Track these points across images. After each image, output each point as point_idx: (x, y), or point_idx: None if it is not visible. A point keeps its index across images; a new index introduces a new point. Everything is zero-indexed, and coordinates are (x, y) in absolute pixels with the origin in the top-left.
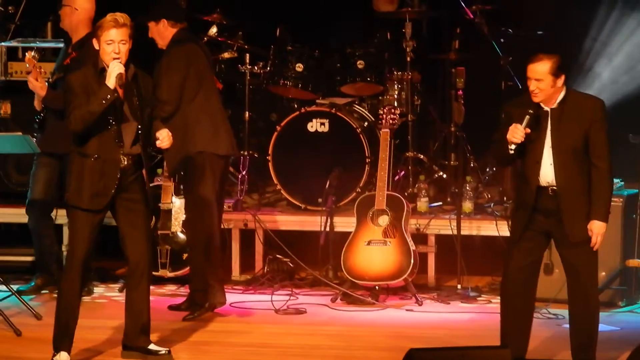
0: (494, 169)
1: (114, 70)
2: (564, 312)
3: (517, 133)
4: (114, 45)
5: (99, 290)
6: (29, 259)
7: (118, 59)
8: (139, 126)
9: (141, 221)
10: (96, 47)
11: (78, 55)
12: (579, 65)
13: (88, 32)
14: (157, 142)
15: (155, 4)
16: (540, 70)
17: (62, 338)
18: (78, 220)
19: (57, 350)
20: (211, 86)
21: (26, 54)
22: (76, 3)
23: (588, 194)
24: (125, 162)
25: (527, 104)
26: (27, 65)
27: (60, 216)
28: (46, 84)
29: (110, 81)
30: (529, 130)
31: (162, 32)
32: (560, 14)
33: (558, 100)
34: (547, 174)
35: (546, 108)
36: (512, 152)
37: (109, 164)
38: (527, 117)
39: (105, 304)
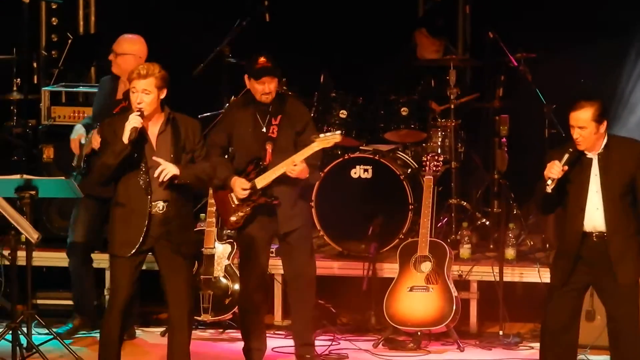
0: (537, 216)
1: (129, 124)
2: (602, 358)
3: (554, 168)
4: (136, 95)
5: (141, 334)
6: (71, 302)
7: (140, 110)
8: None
9: (182, 268)
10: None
11: (128, 105)
12: (622, 109)
13: None
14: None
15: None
16: (582, 118)
17: None
18: (115, 266)
19: None
20: None
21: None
22: (123, 48)
23: (633, 236)
24: (161, 209)
25: (572, 147)
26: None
27: (100, 260)
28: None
29: (125, 135)
30: (566, 168)
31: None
32: (604, 61)
33: (602, 146)
34: (593, 219)
35: (590, 155)
36: (549, 188)
37: (136, 214)
38: (567, 155)
39: (147, 349)
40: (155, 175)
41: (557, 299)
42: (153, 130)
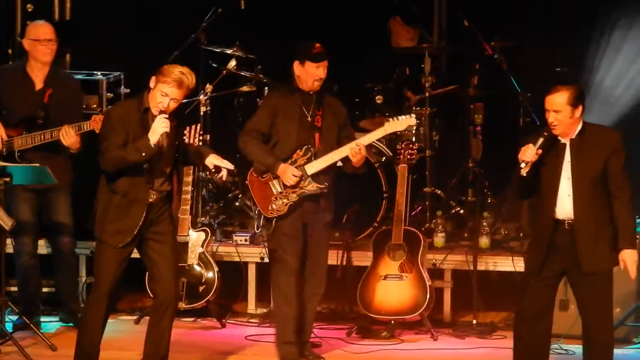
0: (511, 205)
1: (160, 128)
2: (575, 347)
3: (528, 151)
4: (165, 100)
5: (112, 322)
6: (46, 289)
7: (164, 112)
8: (172, 167)
9: (170, 254)
10: (151, 85)
11: (54, 92)
12: (600, 100)
13: (52, 65)
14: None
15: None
16: (558, 102)
17: None
18: (104, 253)
19: None
20: None
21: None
22: (43, 34)
23: (605, 226)
24: (154, 198)
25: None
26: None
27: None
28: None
29: (154, 137)
30: (540, 152)
31: None
32: (579, 50)
33: (576, 132)
34: (564, 206)
35: (564, 140)
36: (523, 172)
37: (137, 204)
38: (541, 138)
39: (120, 336)
40: (223, 178)
41: (532, 289)
42: None
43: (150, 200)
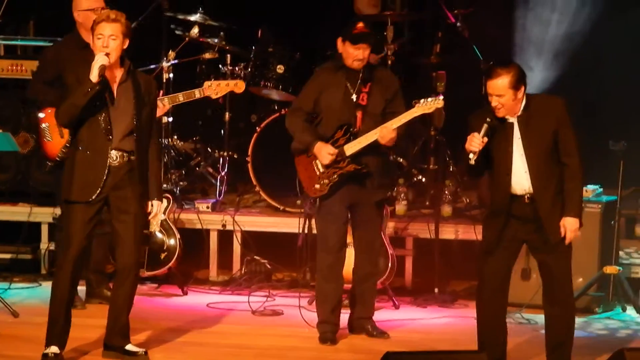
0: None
1: (97, 62)
2: (537, 317)
3: (474, 141)
4: (103, 40)
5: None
6: (7, 256)
7: (107, 53)
8: (134, 123)
9: (132, 222)
10: (91, 43)
11: None
12: (565, 67)
13: None
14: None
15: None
16: (500, 86)
17: (54, 333)
18: (71, 214)
19: (48, 343)
20: None
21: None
22: (87, 4)
23: (561, 194)
24: (116, 159)
25: (490, 114)
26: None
27: (37, 213)
28: None
29: (93, 74)
30: (486, 140)
31: None
32: (538, 16)
33: (521, 109)
34: (521, 182)
35: (511, 119)
36: (472, 162)
37: (98, 156)
38: (485, 125)
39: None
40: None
41: (494, 260)
42: (113, 80)
43: (113, 160)
